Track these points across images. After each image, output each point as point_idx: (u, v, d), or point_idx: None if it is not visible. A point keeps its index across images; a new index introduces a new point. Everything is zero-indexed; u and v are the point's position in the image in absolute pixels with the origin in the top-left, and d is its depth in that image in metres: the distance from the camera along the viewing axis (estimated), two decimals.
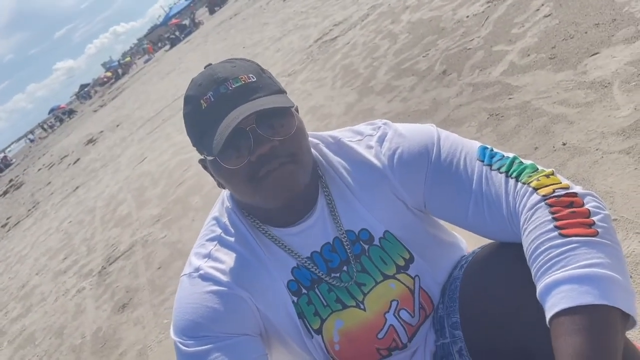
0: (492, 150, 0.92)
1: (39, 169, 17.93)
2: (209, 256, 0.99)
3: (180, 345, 0.91)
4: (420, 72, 3.76)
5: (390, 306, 0.99)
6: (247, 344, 0.92)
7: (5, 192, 16.51)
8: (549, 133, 2.22)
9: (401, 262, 0.98)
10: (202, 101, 0.90)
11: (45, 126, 46.35)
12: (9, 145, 58.10)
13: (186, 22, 32.03)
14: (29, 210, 11.60)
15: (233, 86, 0.89)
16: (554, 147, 2.12)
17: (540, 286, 0.73)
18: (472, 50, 3.52)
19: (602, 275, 0.69)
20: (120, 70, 43.19)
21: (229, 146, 0.86)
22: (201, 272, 0.96)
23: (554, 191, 0.80)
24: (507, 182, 0.86)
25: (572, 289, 0.69)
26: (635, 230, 1.55)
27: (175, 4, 53.34)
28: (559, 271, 0.71)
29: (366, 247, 0.98)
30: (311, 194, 0.98)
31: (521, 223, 0.82)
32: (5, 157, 36.07)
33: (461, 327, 0.99)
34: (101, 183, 8.50)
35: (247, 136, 0.86)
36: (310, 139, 0.99)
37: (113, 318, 3.49)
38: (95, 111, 25.56)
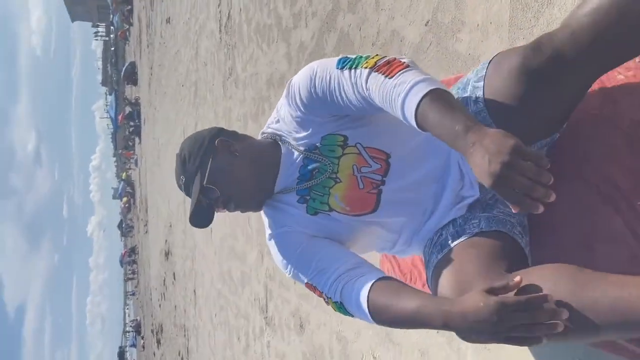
0: (345, 58, 1.32)
1: (159, 305, 19.24)
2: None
3: (292, 273, 1.49)
4: None
5: (353, 169, 1.43)
6: (321, 242, 1.46)
7: (158, 341, 17.96)
8: None
9: (340, 142, 1.42)
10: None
11: (130, 276, 49.01)
12: (125, 313, 62.02)
13: (128, 109, 32.36)
14: (185, 336, 12.66)
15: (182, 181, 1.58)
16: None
17: (404, 106, 1.15)
18: None
19: (423, 79, 1.15)
20: (128, 189, 44.56)
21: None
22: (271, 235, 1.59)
23: (375, 63, 1.24)
24: (349, 74, 1.29)
25: (416, 93, 1.13)
26: (498, 35, 1.81)
27: (107, 105, 53.69)
28: (406, 91, 1.15)
29: (316, 150, 1.45)
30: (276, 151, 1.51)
31: (366, 93, 1.25)
32: (133, 320, 38.74)
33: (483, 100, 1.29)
34: (204, 273, 9.22)
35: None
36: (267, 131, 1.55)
37: (304, 339, 4.04)
38: (146, 233, 26.77)
